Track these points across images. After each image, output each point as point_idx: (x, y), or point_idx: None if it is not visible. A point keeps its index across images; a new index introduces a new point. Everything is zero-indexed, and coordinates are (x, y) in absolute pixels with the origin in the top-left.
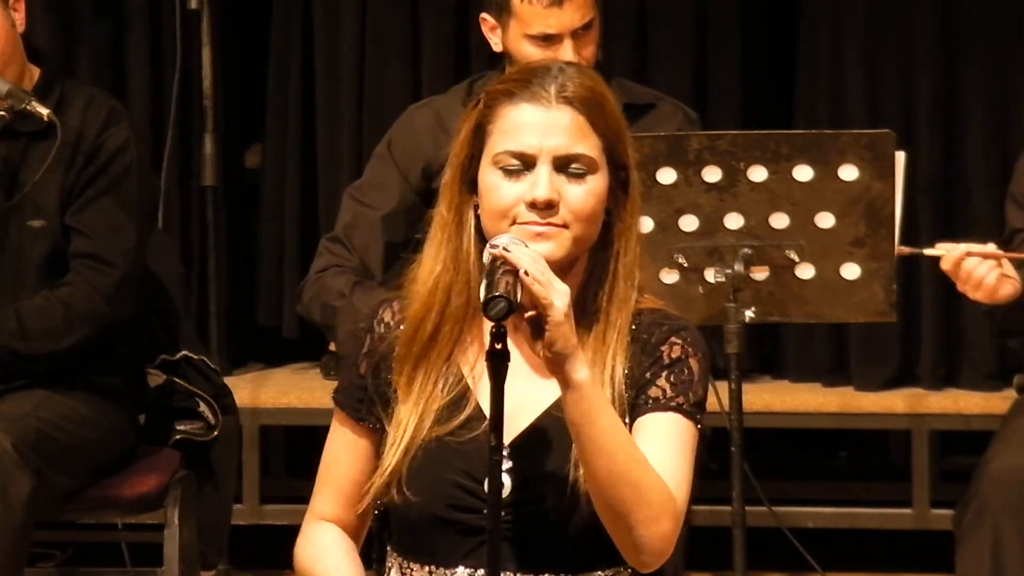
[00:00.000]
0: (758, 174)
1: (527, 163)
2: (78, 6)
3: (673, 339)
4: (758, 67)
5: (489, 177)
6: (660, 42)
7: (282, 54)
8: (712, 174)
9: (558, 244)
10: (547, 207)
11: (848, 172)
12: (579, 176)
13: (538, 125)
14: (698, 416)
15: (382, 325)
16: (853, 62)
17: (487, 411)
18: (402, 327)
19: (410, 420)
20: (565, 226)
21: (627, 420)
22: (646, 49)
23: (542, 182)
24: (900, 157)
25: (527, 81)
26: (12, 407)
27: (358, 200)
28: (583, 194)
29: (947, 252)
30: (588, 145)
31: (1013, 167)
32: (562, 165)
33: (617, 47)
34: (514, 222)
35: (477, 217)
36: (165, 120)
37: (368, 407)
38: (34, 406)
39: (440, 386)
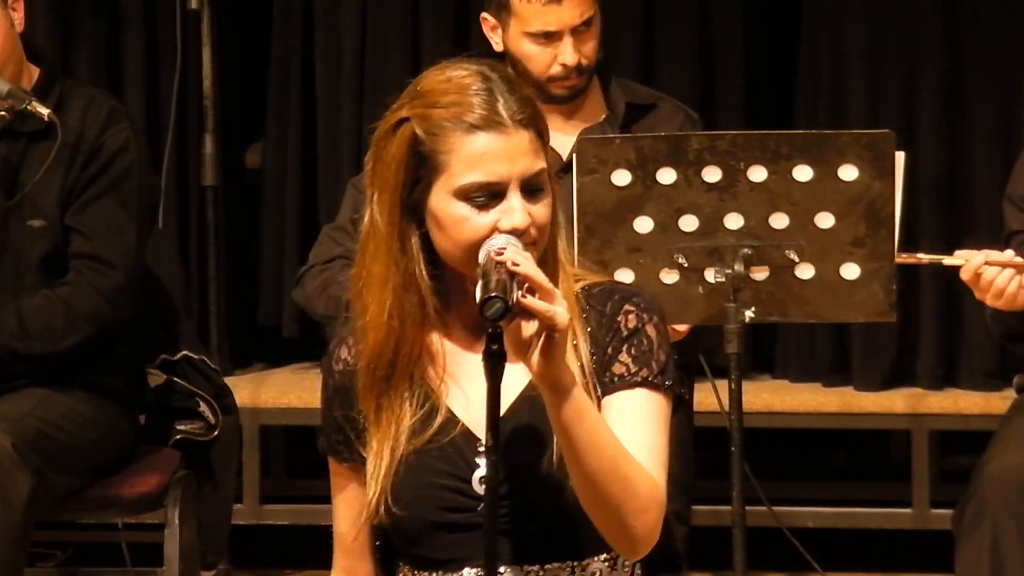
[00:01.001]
0: (758, 174)
1: (496, 192)
2: (76, 5)
3: (627, 307)
4: (761, 67)
5: (454, 209)
6: (666, 42)
7: (282, 53)
8: (712, 174)
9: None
10: (523, 232)
11: (848, 172)
12: (539, 192)
13: (503, 153)
14: (666, 383)
15: (341, 363)
16: (853, 62)
17: (458, 413)
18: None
19: (384, 446)
20: (533, 243)
21: (598, 396)
22: (652, 49)
23: (518, 210)
24: (900, 157)
25: (470, 105)
26: (12, 407)
27: (361, 191)
28: (544, 208)
29: (966, 261)
30: (542, 159)
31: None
32: (526, 186)
33: (623, 48)
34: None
35: (421, 236)
36: (163, 120)
37: (347, 446)
38: (34, 406)
39: (408, 405)
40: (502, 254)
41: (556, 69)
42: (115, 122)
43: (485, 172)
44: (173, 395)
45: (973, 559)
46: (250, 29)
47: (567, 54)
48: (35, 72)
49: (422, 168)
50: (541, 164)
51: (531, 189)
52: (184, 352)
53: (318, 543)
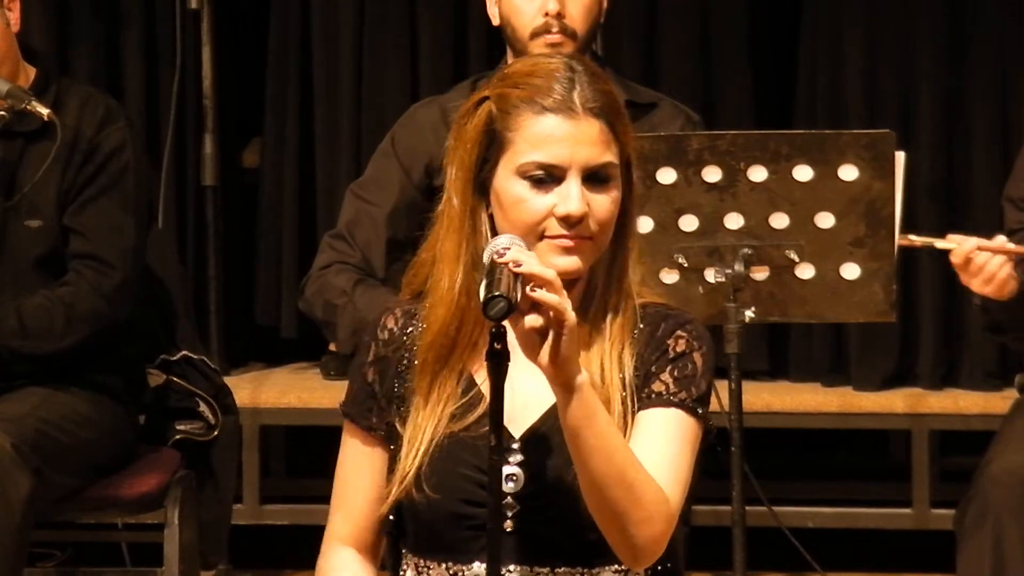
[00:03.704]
0: (758, 174)
1: (556, 175)
2: (75, 5)
3: (679, 332)
4: (763, 66)
5: (514, 188)
6: (668, 44)
7: (280, 53)
8: (712, 174)
9: (584, 257)
10: (579, 221)
11: (848, 172)
12: (604, 185)
13: (567, 137)
14: (700, 411)
15: (386, 332)
16: (853, 62)
17: None
18: (410, 333)
19: (429, 423)
20: (591, 238)
21: (635, 410)
22: (654, 51)
23: (575, 196)
24: (900, 157)
25: (548, 88)
26: (12, 407)
27: (360, 197)
28: (608, 203)
29: (958, 245)
30: (612, 153)
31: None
32: (589, 176)
33: (625, 48)
34: (542, 236)
35: (489, 217)
36: (161, 120)
37: (378, 415)
38: (34, 406)
39: (457, 388)
40: (504, 255)
41: (539, 21)
42: (112, 121)
43: (546, 153)
44: (173, 395)
45: (975, 559)
46: (250, 29)
47: (549, 1)
48: (31, 72)
49: (492, 146)
50: (609, 157)
51: (595, 180)
52: (183, 352)
53: (318, 543)
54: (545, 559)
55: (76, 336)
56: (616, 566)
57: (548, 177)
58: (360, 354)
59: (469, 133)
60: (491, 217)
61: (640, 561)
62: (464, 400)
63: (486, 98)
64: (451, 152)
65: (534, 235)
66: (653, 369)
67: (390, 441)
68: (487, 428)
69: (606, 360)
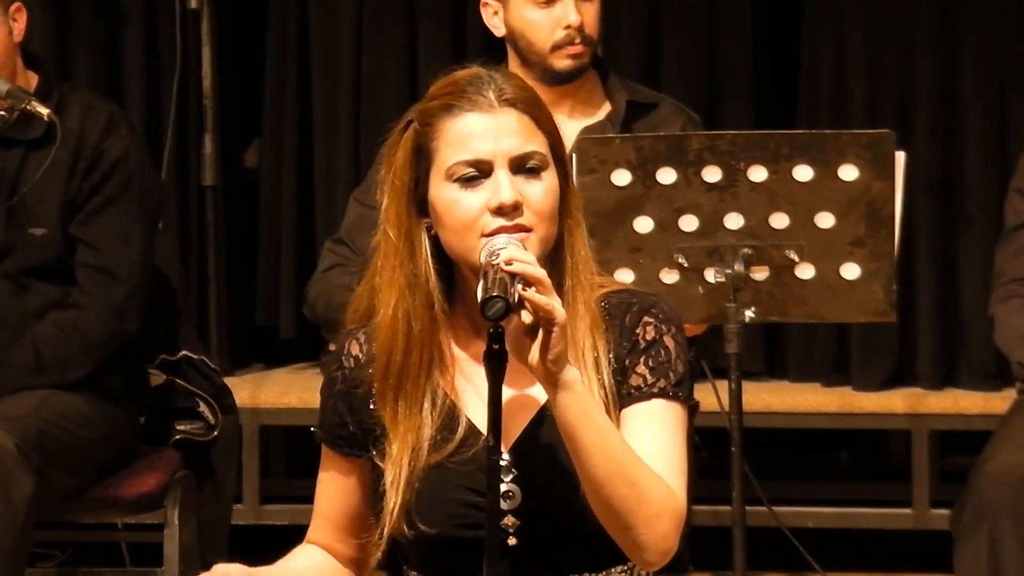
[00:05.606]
0: (758, 174)
1: (483, 170)
2: (75, 5)
3: (646, 319)
4: (764, 67)
5: (446, 193)
6: (671, 48)
7: (279, 53)
8: (712, 174)
9: (530, 251)
10: (513, 209)
11: (848, 172)
12: (535, 174)
13: (487, 131)
14: (681, 395)
15: (351, 359)
16: (853, 62)
17: (478, 424)
18: (373, 361)
19: (404, 455)
20: (530, 229)
21: (618, 410)
22: (658, 55)
23: (504, 185)
24: (900, 157)
25: (461, 92)
26: (14, 407)
27: (362, 202)
28: (542, 192)
29: None
30: (538, 142)
31: (1013, 167)
32: (518, 166)
33: (629, 53)
34: (481, 233)
35: (431, 238)
36: (162, 120)
37: (352, 442)
38: (36, 406)
39: (426, 412)
40: (499, 255)
41: (559, 34)
42: (115, 130)
43: (470, 151)
44: (173, 395)
45: (972, 558)
46: (250, 29)
47: (570, 13)
48: (33, 78)
49: (421, 162)
50: (534, 147)
51: (524, 169)
52: (184, 352)
53: None
54: (551, 569)
55: (93, 363)
56: (621, 566)
57: (478, 175)
58: (328, 383)
59: (399, 159)
60: (434, 236)
61: (650, 561)
62: (440, 421)
63: (411, 122)
64: (383, 184)
65: (474, 235)
66: (627, 363)
67: (369, 465)
68: (474, 449)
69: (581, 367)
